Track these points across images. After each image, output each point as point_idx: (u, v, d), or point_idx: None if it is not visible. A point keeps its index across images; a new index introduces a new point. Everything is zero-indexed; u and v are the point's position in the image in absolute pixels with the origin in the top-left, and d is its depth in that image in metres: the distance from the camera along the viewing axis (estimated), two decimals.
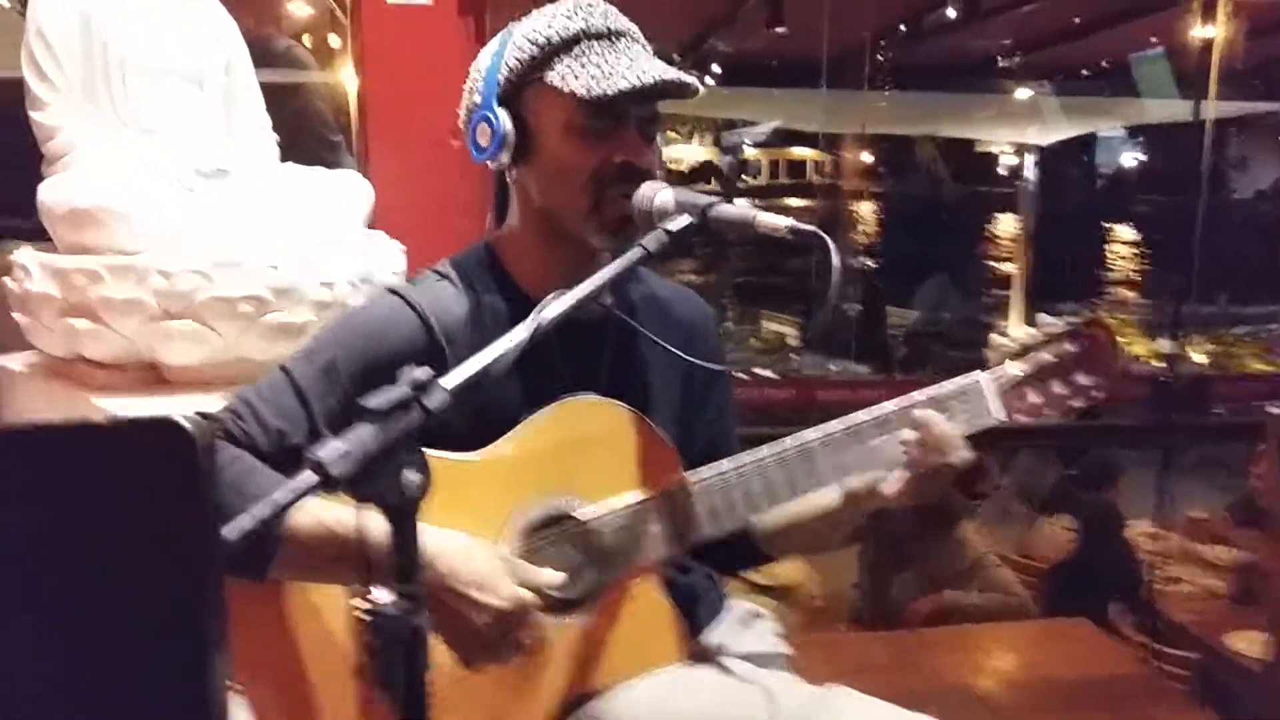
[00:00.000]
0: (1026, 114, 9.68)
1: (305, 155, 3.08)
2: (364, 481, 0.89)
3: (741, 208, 1.17)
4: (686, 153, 15.04)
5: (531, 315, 1.03)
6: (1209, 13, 4.30)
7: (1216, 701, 3.22)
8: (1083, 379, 1.37)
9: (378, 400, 0.90)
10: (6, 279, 2.03)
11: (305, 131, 3.32)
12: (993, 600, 3.67)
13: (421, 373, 0.92)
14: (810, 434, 1.31)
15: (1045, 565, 4.37)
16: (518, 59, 1.27)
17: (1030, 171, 10.75)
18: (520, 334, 1.02)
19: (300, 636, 1.21)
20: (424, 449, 1.19)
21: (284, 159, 2.39)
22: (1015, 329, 10.48)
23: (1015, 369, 1.35)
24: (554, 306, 1.06)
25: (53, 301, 1.89)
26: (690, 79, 1.26)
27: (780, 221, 1.14)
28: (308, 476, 0.86)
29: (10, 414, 2.12)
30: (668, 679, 1.28)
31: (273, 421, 1.22)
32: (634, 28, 1.31)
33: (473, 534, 1.21)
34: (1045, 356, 1.35)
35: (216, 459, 1.11)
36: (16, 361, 2.15)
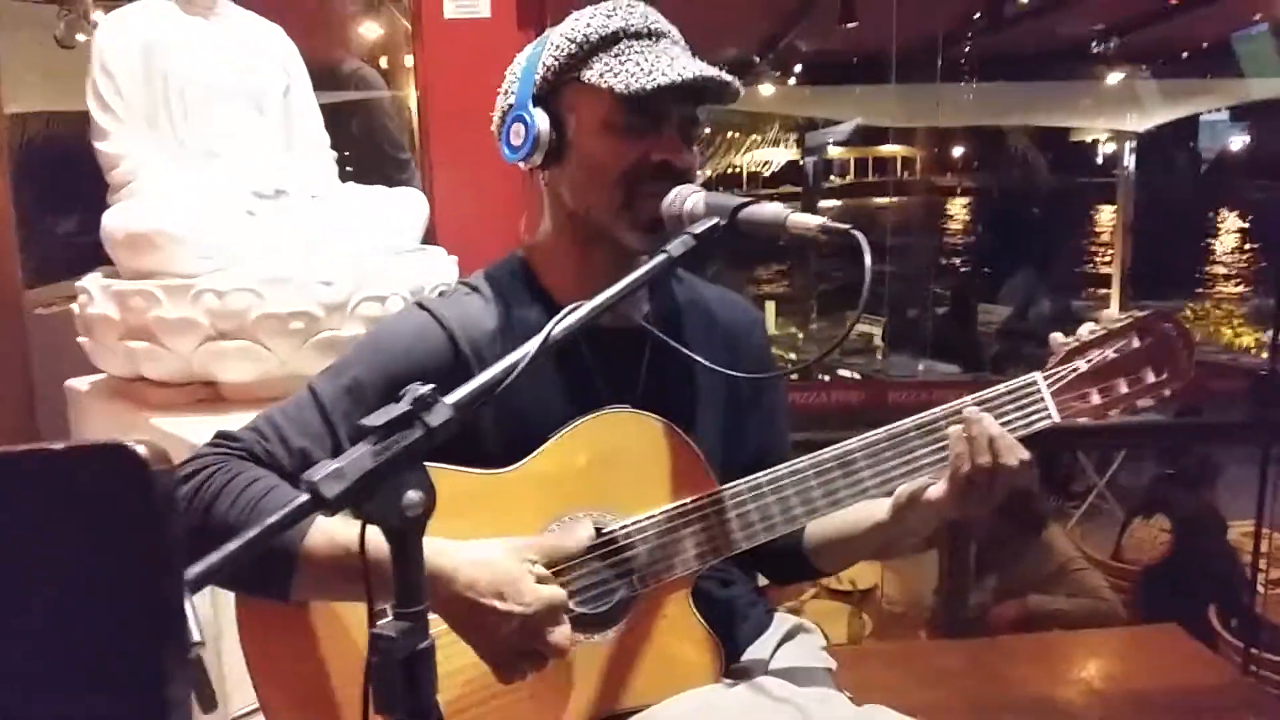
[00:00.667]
0: (1122, 99, 9.35)
1: (375, 173, 3.14)
2: (364, 501, 0.89)
3: (773, 208, 1.15)
4: (774, 155, 14.91)
5: (546, 328, 1.02)
6: None
7: None
8: (1151, 375, 1.31)
9: (376, 418, 0.89)
10: (72, 305, 2.11)
11: (374, 150, 3.39)
12: (1080, 605, 3.55)
13: (423, 389, 0.90)
14: (852, 443, 1.27)
15: (1138, 568, 4.21)
16: (555, 58, 1.26)
17: (1128, 159, 10.39)
18: (530, 347, 1.00)
19: (323, 657, 1.22)
20: (452, 466, 1.22)
21: (354, 177, 2.44)
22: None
23: (1074, 366, 1.30)
24: (569, 318, 1.04)
25: (112, 324, 1.96)
26: (731, 79, 1.24)
27: (812, 221, 1.11)
28: (302, 498, 0.85)
29: (79, 435, 2.20)
30: (699, 699, 1.25)
31: (296, 441, 1.22)
32: (674, 30, 1.30)
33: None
34: (1109, 353, 1.30)
35: (222, 479, 1.15)
36: (84, 383, 2.23)
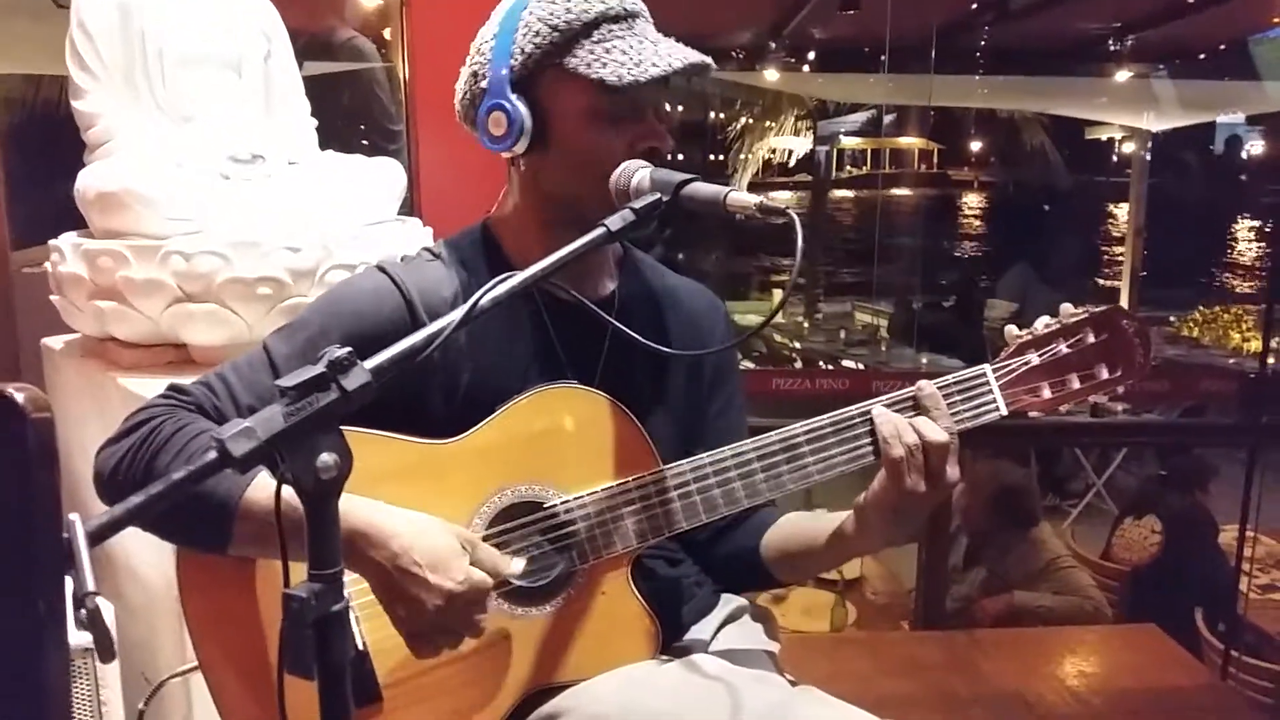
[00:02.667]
0: (1138, 98, 9.28)
1: (366, 144, 3.13)
2: (280, 461, 0.88)
3: (713, 186, 1.16)
4: (796, 144, 14.81)
5: (473, 297, 1.01)
6: None
7: None
8: (1104, 371, 1.31)
9: (290, 379, 0.88)
10: (47, 263, 2.11)
11: (366, 120, 3.38)
12: (1065, 603, 3.54)
13: (340, 351, 0.89)
14: (796, 427, 1.28)
15: (1127, 569, 4.20)
16: (534, 44, 1.24)
17: (1142, 159, 10.32)
18: (455, 315, 0.99)
19: (259, 616, 1.22)
20: (399, 435, 1.22)
21: (346, 148, 2.42)
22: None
23: (1026, 360, 1.29)
24: (498, 289, 1.03)
25: (82, 283, 1.95)
26: (710, 63, 1.26)
27: (749, 199, 1.13)
28: (210, 455, 0.85)
29: (52, 393, 2.21)
30: (631, 674, 1.25)
31: (245, 398, 1.22)
32: (644, 8, 1.30)
33: (442, 518, 1.20)
34: (1062, 348, 1.29)
35: (169, 430, 1.15)
36: (58, 342, 2.24)
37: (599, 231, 1.11)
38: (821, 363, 8.15)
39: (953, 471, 1.21)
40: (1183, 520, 4.22)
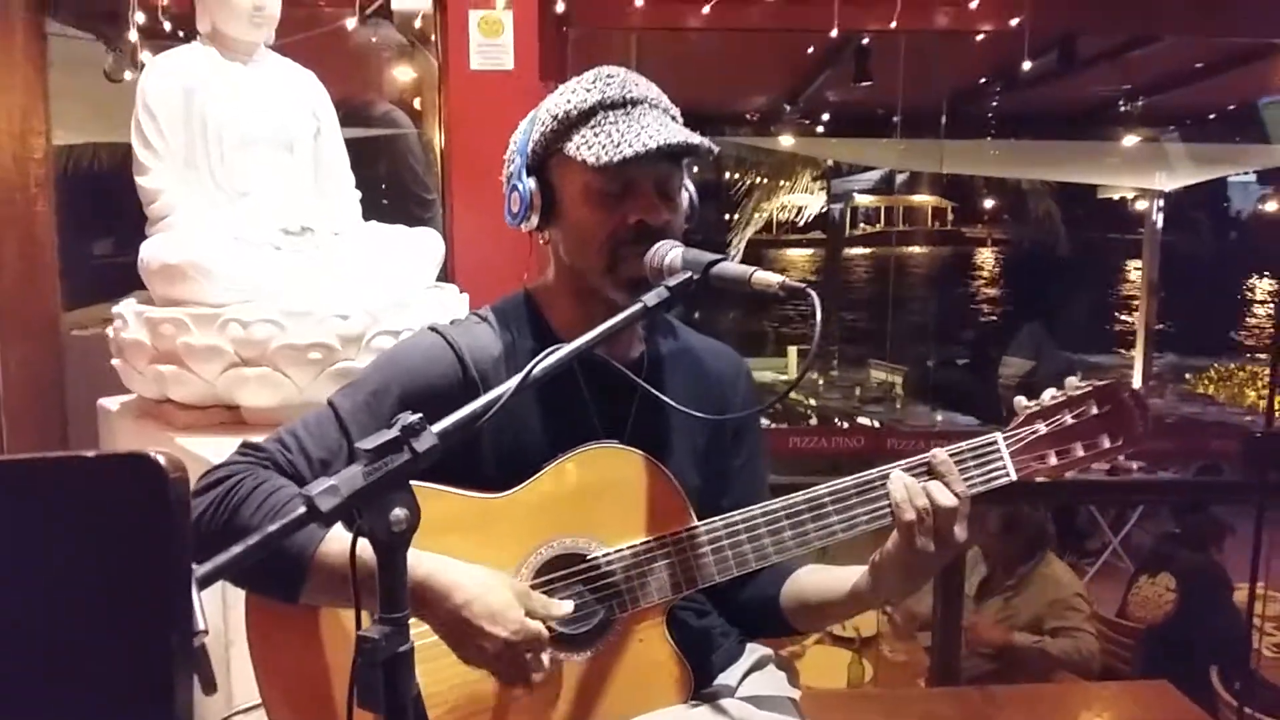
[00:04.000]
0: (1150, 159, 9.41)
1: (401, 209, 3.27)
2: (356, 516, 0.99)
3: (740, 266, 1.25)
4: (809, 201, 15.04)
5: (526, 367, 1.12)
6: None
7: None
8: (1106, 441, 1.39)
9: (368, 442, 0.99)
10: (108, 329, 2.24)
11: (400, 187, 3.52)
12: (1058, 645, 3.61)
13: (412, 418, 1.00)
14: (821, 488, 1.36)
15: (1143, 626, 4.22)
16: (542, 133, 1.38)
17: (1155, 218, 10.42)
18: (512, 384, 1.10)
19: (322, 657, 1.31)
20: (452, 488, 1.32)
21: (382, 212, 2.56)
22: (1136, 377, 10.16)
23: (1035, 429, 1.38)
24: (549, 360, 1.14)
25: (144, 348, 2.08)
26: (700, 141, 1.34)
27: (773, 279, 1.22)
28: (300, 510, 0.95)
29: (109, 449, 2.31)
30: (663, 717, 1.33)
31: (316, 452, 1.32)
32: (653, 94, 1.40)
33: (492, 568, 1.30)
34: (1067, 418, 1.38)
35: (249, 486, 1.26)
36: (114, 403, 2.35)
37: (637, 308, 1.21)
38: (837, 420, 8.22)
39: (961, 533, 1.29)
40: (1197, 578, 4.24)
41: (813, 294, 1.19)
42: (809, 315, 1.19)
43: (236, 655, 1.38)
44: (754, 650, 1.55)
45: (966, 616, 3.80)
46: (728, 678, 1.48)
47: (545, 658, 1.24)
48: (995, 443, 1.36)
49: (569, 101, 1.36)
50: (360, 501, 0.97)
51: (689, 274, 1.26)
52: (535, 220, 1.39)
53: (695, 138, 1.34)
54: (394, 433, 0.99)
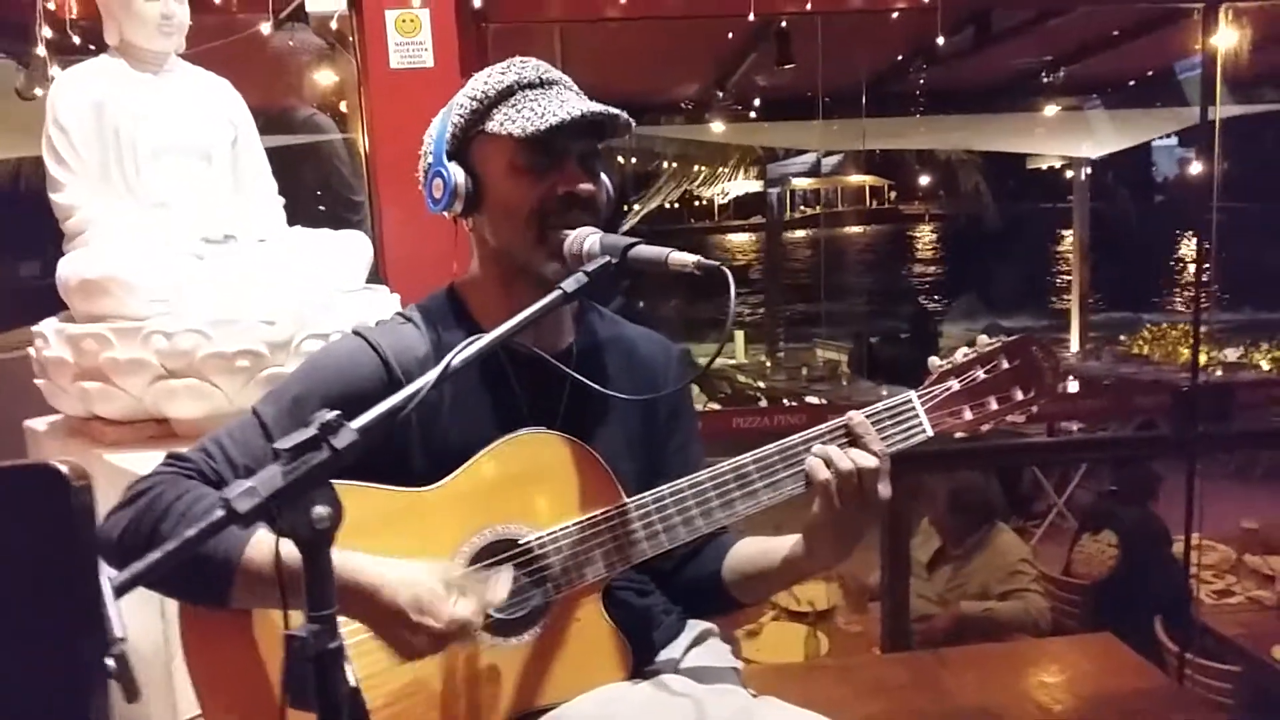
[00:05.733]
0: (1075, 128, 9.58)
1: (329, 215, 3.25)
2: (277, 517, 0.99)
3: (656, 248, 1.28)
4: (740, 187, 15.23)
5: (445, 359, 1.12)
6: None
7: (1260, 714, 3.16)
8: (1019, 393, 1.44)
9: (286, 441, 0.99)
10: (30, 349, 2.20)
11: (328, 192, 3.50)
12: (1009, 608, 3.71)
13: (329, 415, 1.01)
14: (745, 457, 1.39)
15: (1087, 583, 4.33)
16: (460, 116, 1.39)
17: (1082, 186, 10.64)
18: (430, 377, 1.11)
19: (259, 665, 1.31)
20: (380, 485, 1.33)
21: (309, 219, 2.54)
22: (1073, 342, 10.37)
23: (948, 386, 1.42)
24: (467, 350, 1.15)
25: (67, 366, 2.05)
26: (619, 112, 1.38)
27: (688, 259, 1.24)
28: (218, 514, 0.96)
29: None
30: (605, 695, 1.35)
31: (240, 460, 1.32)
32: (566, 78, 1.44)
33: (427, 559, 1.31)
34: (979, 374, 1.42)
35: (171, 496, 1.25)
36: (42, 424, 2.32)
37: (555, 294, 1.23)
38: (785, 400, 8.30)
39: (884, 490, 1.34)
40: (1137, 532, 4.36)
41: (726, 271, 1.23)
42: (724, 293, 1.22)
43: (179, 669, 1.37)
44: (695, 625, 1.58)
45: (921, 589, 3.90)
46: (670, 653, 1.51)
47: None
48: (910, 401, 1.40)
49: (485, 83, 1.39)
50: (280, 501, 0.97)
51: (607, 258, 1.28)
52: (459, 206, 1.40)
53: (614, 109, 1.37)
54: (312, 431, 1.00)
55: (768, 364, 10.34)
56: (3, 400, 2.88)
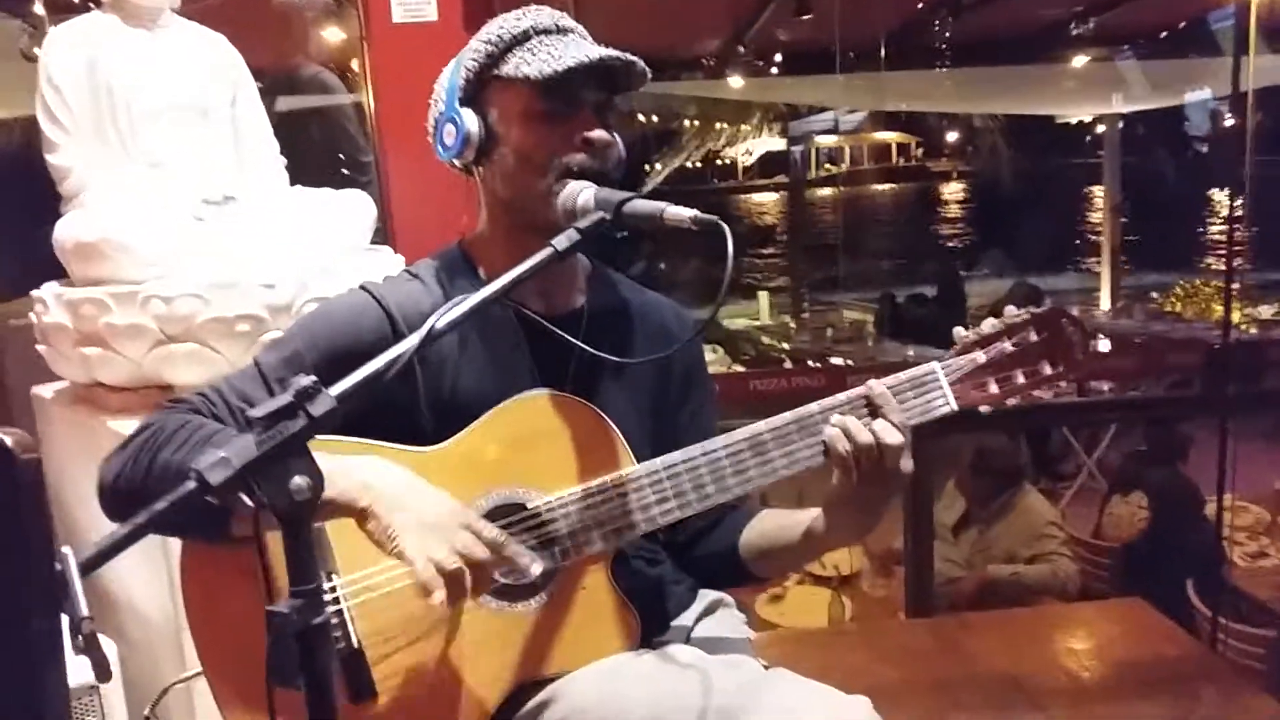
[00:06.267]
0: (1105, 82, 9.38)
1: (336, 177, 3.19)
2: (254, 487, 0.94)
3: (652, 203, 1.23)
4: (757, 145, 15.09)
5: (429, 320, 1.07)
6: None
7: None
8: (1047, 368, 1.38)
9: (260, 409, 0.94)
10: (31, 314, 2.16)
11: (335, 153, 3.44)
12: (1035, 571, 3.64)
13: (306, 381, 0.95)
14: (761, 425, 1.33)
15: (1118, 545, 4.26)
16: (475, 60, 1.34)
17: (1113, 140, 10.43)
18: (414, 339, 1.05)
19: (259, 626, 1.27)
20: (385, 443, 1.28)
21: (316, 181, 2.48)
22: (1104, 301, 10.21)
23: (974, 358, 1.36)
24: (453, 311, 1.09)
25: (66, 331, 2.01)
26: (635, 59, 1.32)
27: (685, 213, 1.19)
28: (187, 485, 0.90)
29: (45, 440, 2.26)
30: (612, 665, 1.31)
31: (240, 409, 1.28)
32: (580, 27, 1.39)
33: None
34: (1007, 346, 1.36)
35: (165, 425, 1.20)
36: (48, 390, 2.29)
37: (547, 252, 1.17)
38: (810, 362, 8.22)
39: (906, 464, 1.28)
40: (1168, 493, 4.28)
41: (724, 226, 1.17)
42: (722, 248, 1.16)
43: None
44: (705, 595, 1.53)
45: (947, 553, 3.84)
46: (681, 622, 1.46)
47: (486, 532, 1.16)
48: (934, 373, 1.34)
49: (501, 28, 1.34)
50: (255, 472, 0.92)
51: (601, 214, 1.22)
52: (472, 152, 1.35)
53: (631, 56, 1.32)
54: (287, 398, 0.94)
55: (792, 325, 10.24)
56: (17, 367, 2.87)
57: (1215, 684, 2.66)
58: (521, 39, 1.33)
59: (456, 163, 1.38)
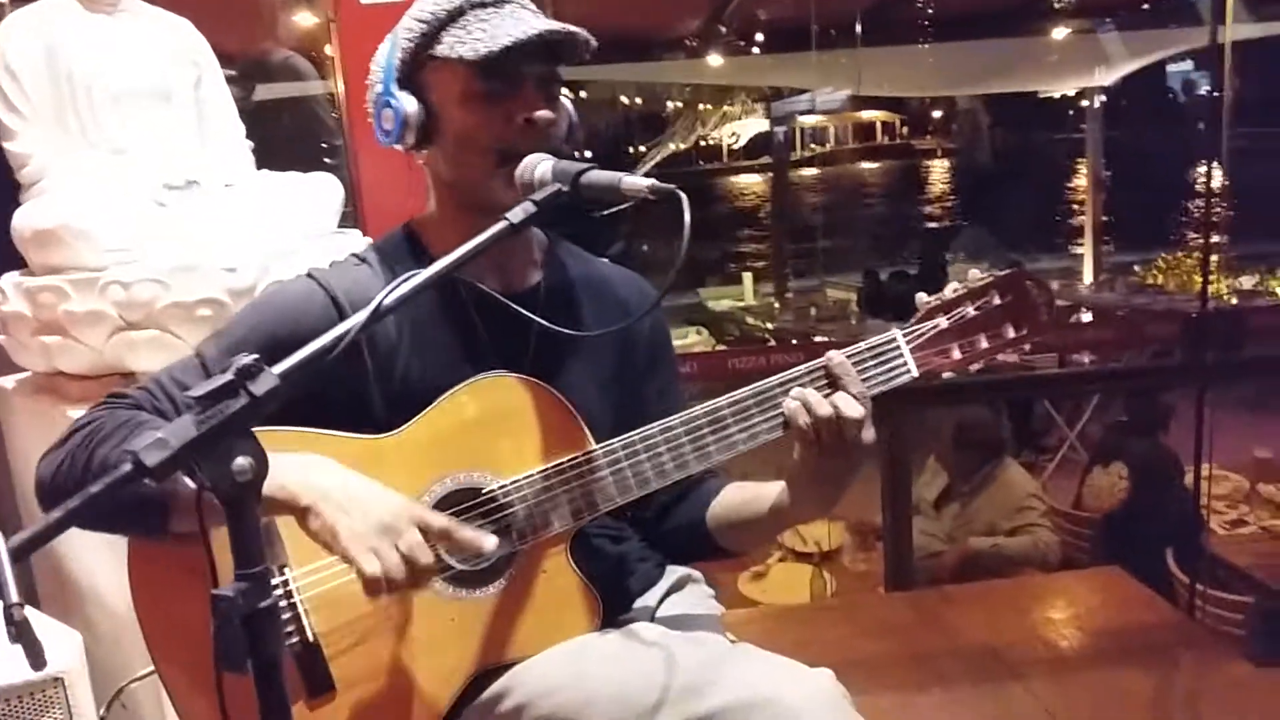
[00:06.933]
0: (1087, 55, 9.36)
1: (311, 162, 3.16)
2: (195, 469, 0.92)
3: (609, 174, 1.20)
4: (743, 127, 15.06)
5: (377, 297, 1.05)
6: None
7: (1272, 644, 3.11)
8: (1010, 331, 1.36)
9: (200, 388, 0.92)
10: None
11: (310, 138, 3.41)
12: (1016, 543, 3.66)
13: (248, 359, 0.93)
14: (720, 401, 1.32)
15: (1098, 516, 4.28)
16: (409, 39, 1.30)
17: (1095, 114, 10.43)
18: (360, 317, 1.03)
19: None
20: (336, 431, 1.26)
21: (290, 167, 2.45)
22: (1086, 276, 10.21)
23: (936, 324, 1.34)
24: (402, 288, 1.08)
25: (26, 320, 1.99)
26: (578, 30, 1.28)
27: (642, 183, 1.17)
28: (125, 468, 0.89)
29: (8, 432, 2.24)
30: (574, 647, 1.29)
31: (181, 399, 1.25)
32: None
33: None
34: (969, 310, 1.34)
35: (111, 425, 1.19)
36: (10, 381, 2.27)
37: (501, 225, 1.14)
38: (794, 341, 8.22)
39: (868, 435, 1.26)
40: (1147, 463, 4.30)
41: (680, 194, 1.14)
42: (679, 217, 1.13)
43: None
44: (673, 571, 1.52)
45: (929, 527, 3.85)
46: (646, 600, 1.45)
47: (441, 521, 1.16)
48: (894, 340, 1.32)
49: (435, 3, 1.29)
50: (194, 453, 0.90)
51: (557, 186, 1.20)
52: (411, 137, 1.31)
53: (572, 27, 1.28)
54: (228, 376, 0.92)
55: (776, 305, 10.24)
56: None
57: (1193, 650, 2.68)
58: (455, 14, 1.28)
59: (399, 146, 1.34)
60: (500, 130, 1.28)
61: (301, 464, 1.15)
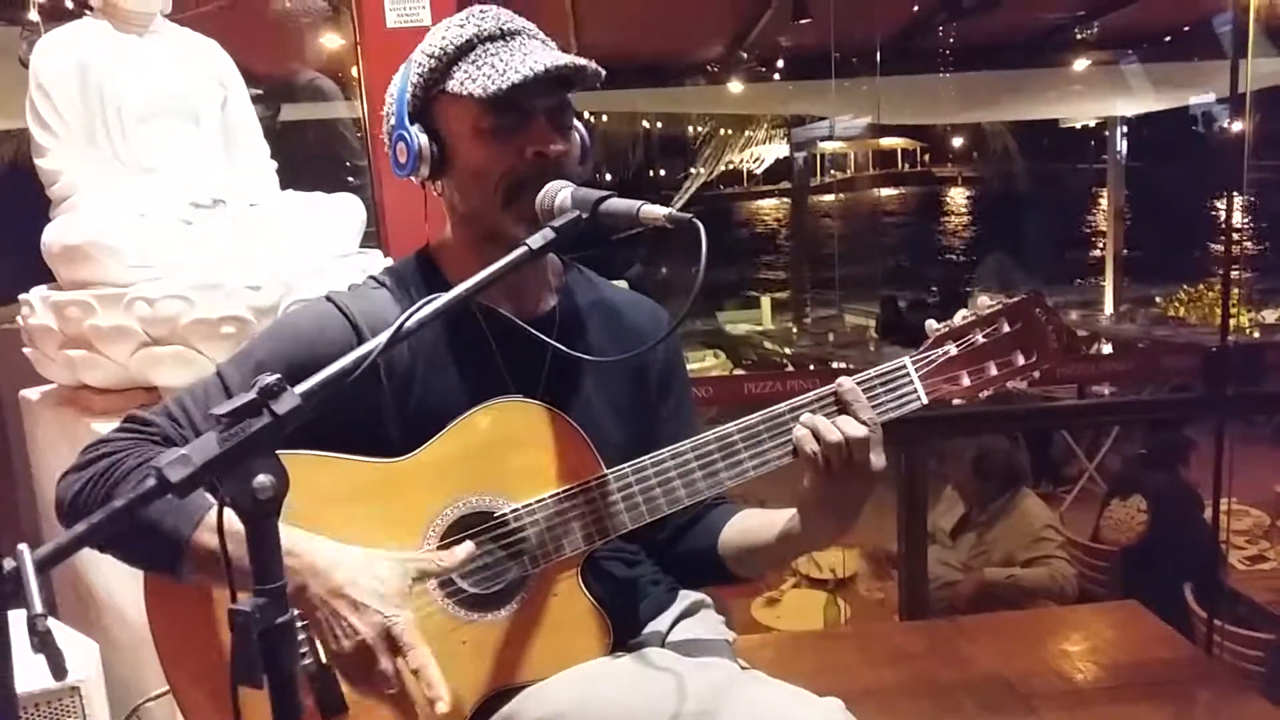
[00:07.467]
0: (1110, 85, 9.35)
1: (335, 183, 3.19)
2: (217, 486, 0.94)
3: (628, 201, 1.21)
4: (767, 152, 15.12)
5: (396, 322, 1.06)
6: None
7: None
8: (1020, 358, 1.36)
9: (223, 406, 0.93)
10: (18, 318, 2.17)
11: (334, 158, 3.44)
12: (1033, 574, 3.64)
13: (271, 379, 0.95)
14: (730, 426, 1.32)
15: (1116, 549, 4.24)
16: (419, 75, 1.32)
17: (1118, 145, 10.40)
18: (381, 339, 1.05)
19: (222, 639, 1.27)
20: (351, 455, 1.28)
21: (315, 188, 2.48)
22: (1107, 307, 10.16)
23: (945, 351, 1.34)
24: (422, 311, 1.09)
25: (52, 334, 2.02)
26: (586, 63, 1.29)
27: (659, 211, 1.17)
28: (149, 484, 0.90)
29: (32, 443, 2.26)
30: (584, 671, 1.30)
31: (203, 424, 1.27)
32: (530, 26, 1.35)
33: (395, 534, 1.27)
34: (978, 337, 1.34)
35: (132, 463, 1.21)
36: (35, 393, 2.30)
37: (521, 251, 1.16)
38: (811, 366, 8.22)
39: (877, 461, 1.26)
40: (1167, 497, 4.27)
41: (698, 224, 1.15)
42: (697, 245, 1.14)
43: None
44: (687, 596, 1.52)
45: (945, 556, 3.83)
46: (657, 625, 1.45)
47: (392, 665, 1.19)
48: (904, 367, 1.32)
49: (444, 38, 1.31)
50: (217, 470, 0.92)
51: (576, 213, 1.21)
52: (425, 169, 1.33)
53: (581, 60, 1.28)
54: (250, 395, 0.94)
55: (794, 330, 10.24)
56: (4, 371, 2.87)
57: (1211, 688, 2.65)
58: (466, 49, 1.29)
59: (413, 179, 1.36)
60: (511, 164, 1.29)
61: (309, 550, 1.19)
